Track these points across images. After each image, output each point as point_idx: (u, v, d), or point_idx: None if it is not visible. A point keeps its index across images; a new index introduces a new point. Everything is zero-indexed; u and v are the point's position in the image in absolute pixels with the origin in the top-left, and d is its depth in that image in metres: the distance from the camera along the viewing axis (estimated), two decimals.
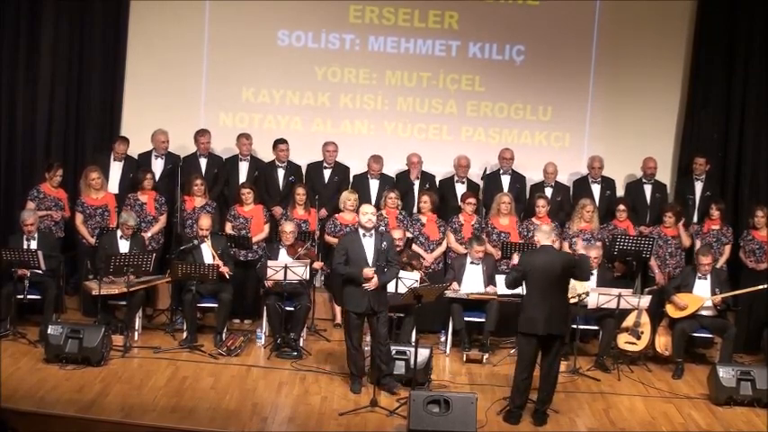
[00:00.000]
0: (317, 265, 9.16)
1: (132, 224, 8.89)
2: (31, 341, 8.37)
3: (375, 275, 7.48)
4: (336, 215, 9.56)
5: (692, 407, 7.81)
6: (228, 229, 9.34)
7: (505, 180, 10.12)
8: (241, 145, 10.00)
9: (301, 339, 8.74)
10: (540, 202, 9.50)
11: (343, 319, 7.99)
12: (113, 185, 9.74)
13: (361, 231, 7.66)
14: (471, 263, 8.96)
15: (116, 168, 9.83)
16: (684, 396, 8.05)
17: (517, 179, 10.18)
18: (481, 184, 10.06)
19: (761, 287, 8.70)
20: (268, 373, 8.09)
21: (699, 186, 10.04)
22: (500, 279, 8.75)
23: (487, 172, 10.06)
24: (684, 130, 10.53)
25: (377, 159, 9.96)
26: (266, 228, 9.50)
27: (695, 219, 9.90)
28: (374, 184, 9.96)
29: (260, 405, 7.34)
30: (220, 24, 10.50)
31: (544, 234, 7.34)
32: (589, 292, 8.34)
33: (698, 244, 9.47)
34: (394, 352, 7.81)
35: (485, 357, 8.70)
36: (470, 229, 9.39)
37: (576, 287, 7.97)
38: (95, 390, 7.41)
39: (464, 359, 8.65)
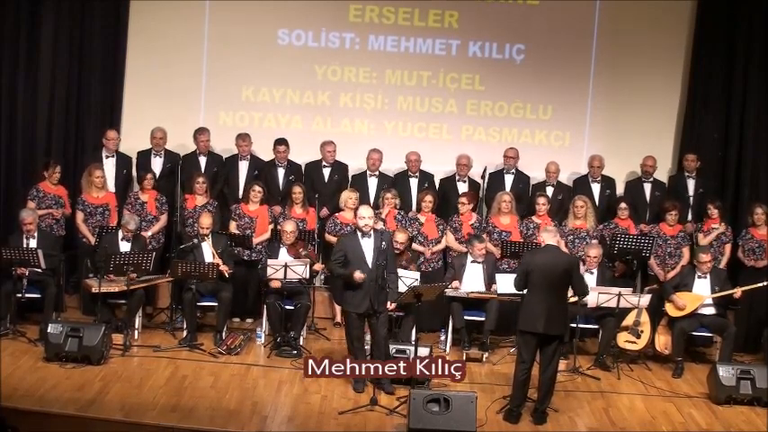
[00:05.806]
0: (318, 267, 9.16)
1: (132, 228, 8.88)
2: (31, 340, 8.38)
3: (365, 276, 7.48)
4: (337, 214, 9.55)
5: (691, 406, 7.81)
6: (233, 228, 9.30)
7: (509, 179, 10.09)
8: (238, 146, 9.96)
9: (301, 338, 8.74)
10: (541, 201, 9.48)
11: (344, 320, 8.01)
12: (108, 184, 9.67)
13: (359, 233, 7.67)
14: (472, 262, 8.95)
15: (109, 166, 9.75)
16: (684, 395, 8.05)
17: (521, 179, 10.16)
18: (481, 182, 10.05)
19: (761, 284, 8.70)
20: (268, 371, 8.09)
21: (691, 184, 10.02)
22: (500, 278, 8.76)
23: (488, 171, 10.05)
24: (684, 129, 10.52)
25: (376, 150, 9.95)
26: (269, 228, 9.46)
27: (689, 216, 9.90)
28: (372, 183, 9.95)
29: (260, 404, 7.34)
30: (220, 23, 10.49)
31: (549, 234, 7.35)
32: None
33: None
34: (394, 351, 7.82)
35: (484, 356, 8.71)
36: (469, 228, 9.39)
37: None
38: (95, 388, 7.41)
39: (464, 358, 8.63)
